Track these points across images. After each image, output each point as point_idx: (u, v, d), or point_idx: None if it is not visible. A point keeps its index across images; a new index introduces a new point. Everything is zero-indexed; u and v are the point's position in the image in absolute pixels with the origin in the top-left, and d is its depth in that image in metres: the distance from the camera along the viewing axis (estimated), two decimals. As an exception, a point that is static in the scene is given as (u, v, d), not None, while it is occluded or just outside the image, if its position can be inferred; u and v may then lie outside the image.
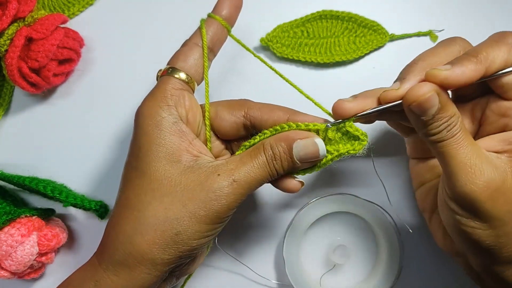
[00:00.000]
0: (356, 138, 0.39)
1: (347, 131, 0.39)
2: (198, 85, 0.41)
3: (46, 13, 0.50)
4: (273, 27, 0.53)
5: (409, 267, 0.51)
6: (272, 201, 0.52)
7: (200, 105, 0.42)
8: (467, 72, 0.34)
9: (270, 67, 0.43)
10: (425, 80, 0.35)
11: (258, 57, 0.43)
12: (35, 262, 0.49)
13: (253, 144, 0.40)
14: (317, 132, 0.39)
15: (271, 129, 0.40)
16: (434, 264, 0.51)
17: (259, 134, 0.40)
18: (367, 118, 0.39)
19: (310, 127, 0.39)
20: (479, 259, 0.38)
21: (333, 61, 0.53)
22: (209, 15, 0.42)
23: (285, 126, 0.39)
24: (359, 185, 0.52)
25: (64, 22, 0.52)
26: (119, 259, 0.36)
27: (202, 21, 0.42)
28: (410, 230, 0.47)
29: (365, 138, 0.39)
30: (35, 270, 0.51)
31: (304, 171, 0.40)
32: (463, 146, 0.35)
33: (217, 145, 0.43)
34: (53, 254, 0.51)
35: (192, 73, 0.40)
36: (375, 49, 0.53)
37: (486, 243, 0.36)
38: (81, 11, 0.56)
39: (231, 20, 0.42)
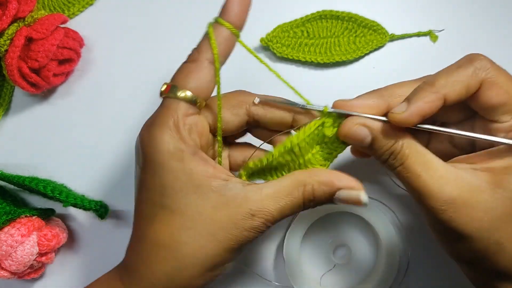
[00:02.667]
0: None
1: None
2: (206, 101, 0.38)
3: (46, 13, 0.50)
4: (273, 27, 0.53)
5: (409, 266, 0.50)
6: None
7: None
8: (424, 106, 0.34)
9: (273, 71, 0.42)
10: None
11: (263, 62, 0.42)
12: (35, 262, 0.49)
13: (261, 168, 0.39)
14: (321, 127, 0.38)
15: (280, 148, 0.38)
16: (435, 264, 0.51)
17: (266, 156, 0.38)
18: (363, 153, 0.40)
19: (312, 127, 0.38)
20: (471, 272, 0.38)
21: (333, 61, 0.53)
22: (217, 21, 0.37)
23: (294, 139, 0.37)
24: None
25: (64, 22, 0.52)
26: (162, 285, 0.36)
27: (210, 28, 0.37)
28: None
29: None
30: (35, 270, 0.51)
31: None
32: (414, 174, 0.35)
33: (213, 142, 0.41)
34: (53, 254, 0.51)
35: (201, 93, 0.36)
36: (375, 49, 0.53)
37: (467, 259, 0.36)
38: (81, 11, 0.56)
39: (240, 25, 0.38)
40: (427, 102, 0.34)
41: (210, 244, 0.35)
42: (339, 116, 0.37)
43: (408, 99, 0.35)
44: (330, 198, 0.36)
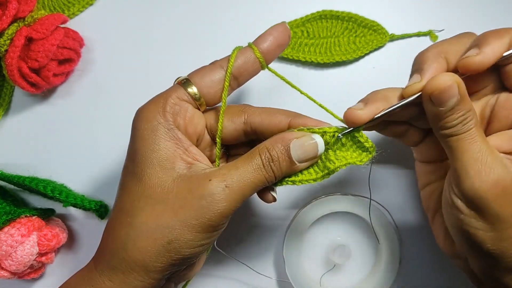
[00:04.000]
0: (364, 149, 0.39)
1: (358, 140, 0.39)
2: (208, 106, 0.40)
3: (46, 13, 0.50)
4: (273, 27, 0.53)
5: (408, 266, 0.51)
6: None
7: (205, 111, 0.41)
8: (496, 48, 0.35)
9: (300, 91, 0.42)
10: (448, 70, 0.36)
11: (295, 88, 0.42)
12: (35, 262, 0.49)
13: None
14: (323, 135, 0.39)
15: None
16: (434, 263, 0.51)
17: None
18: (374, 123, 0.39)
19: (315, 131, 0.38)
20: (480, 263, 0.38)
21: (333, 61, 0.53)
22: (248, 44, 0.40)
23: (304, 129, 0.38)
24: (359, 185, 0.52)
25: (64, 22, 0.52)
26: (114, 264, 0.36)
27: (237, 48, 0.40)
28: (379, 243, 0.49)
29: (373, 150, 0.39)
30: (35, 270, 0.51)
31: (306, 178, 0.39)
32: (476, 142, 0.35)
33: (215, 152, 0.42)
34: (53, 254, 0.51)
35: (204, 92, 0.39)
36: (375, 49, 0.53)
37: (487, 247, 0.35)
38: (81, 11, 0.56)
39: (269, 56, 0.40)
40: (500, 45, 0.35)
41: (165, 214, 0.35)
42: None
43: (478, 45, 0.36)
44: (288, 155, 0.37)
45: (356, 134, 0.38)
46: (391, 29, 0.53)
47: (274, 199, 0.40)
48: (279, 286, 0.52)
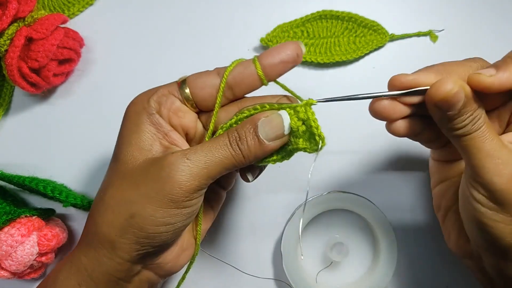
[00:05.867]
0: (313, 137, 0.37)
1: (310, 127, 0.37)
2: (200, 108, 0.39)
3: (46, 13, 0.50)
4: (273, 27, 0.53)
5: (405, 265, 0.51)
6: (271, 199, 0.52)
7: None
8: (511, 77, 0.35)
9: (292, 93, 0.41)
10: (468, 83, 0.36)
11: (297, 96, 0.40)
12: (35, 262, 0.49)
13: (230, 125, 0.38)
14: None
15: (250, 108, 0.38)
16: (431, 262, 0.51)
17: (237, 113, 0.38)
18: (409, 129, 0.39)
19: (283, 106, 0.37)
20: (495, 258, 0.37)
21: (333, 61, 0.53)
22: (253, 58, 0.38)
23: (266, 105, 0.37)
24: (357, 184, 0.52)
25: (64, 22, 0.52)
26: (88, 241, 0.37)
27: (235, 62, 0.38)
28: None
29: (321, 141, 0.36)
30: (35, 270, 0.51)
31: (272, 158, 0.39)
32: (488, 138, 0.35)
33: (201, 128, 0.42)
34: (53, 254, 0.51)
35: (194, 93, 0.38)
36: (375, 49, 0.53)
37: (506, 240, 0.35)
38: (81, 11, 0.56)
39: (271, 75, 0.38)
40: None
41: (129, 188, 0.36)
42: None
43: (497, 66, 0.36)
44: (255, 133, 0.36)
45: (312, 123, 0.37)
46: (391, 29, 0.53)
47: (248, 180, 0.40)
48: (276, 284, 0.52)
